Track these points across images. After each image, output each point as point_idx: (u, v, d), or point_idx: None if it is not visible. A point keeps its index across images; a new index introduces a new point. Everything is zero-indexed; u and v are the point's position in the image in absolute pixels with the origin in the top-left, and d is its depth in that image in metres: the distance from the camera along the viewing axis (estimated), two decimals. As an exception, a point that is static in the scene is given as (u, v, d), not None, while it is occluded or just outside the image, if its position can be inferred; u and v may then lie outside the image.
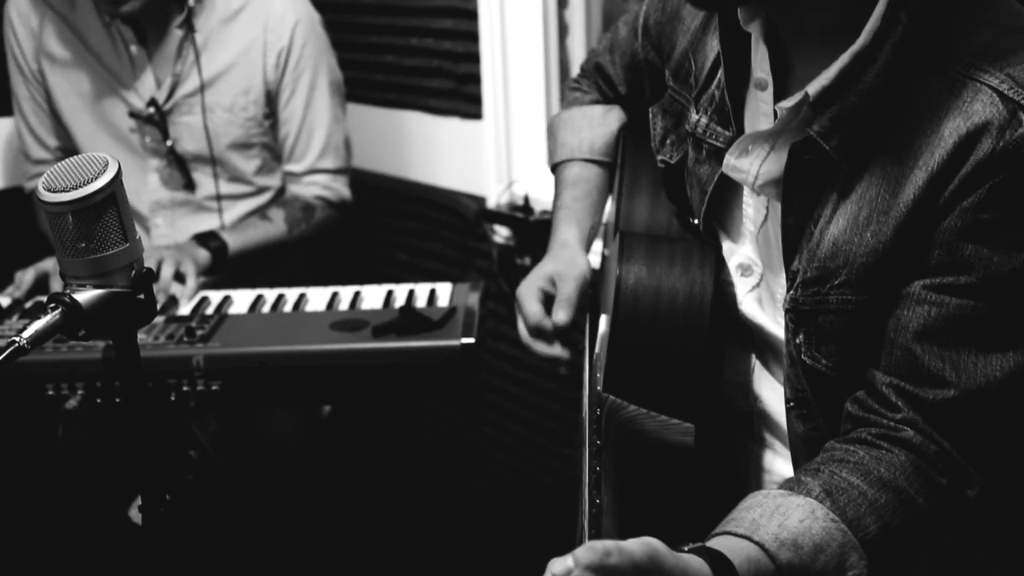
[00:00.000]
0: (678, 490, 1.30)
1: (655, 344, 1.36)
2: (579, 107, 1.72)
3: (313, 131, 2.34)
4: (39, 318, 1.06)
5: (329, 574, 2.44)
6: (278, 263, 2.35)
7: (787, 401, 1.30)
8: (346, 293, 2.00)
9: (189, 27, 2.21)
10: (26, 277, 2.05)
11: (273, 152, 2.37)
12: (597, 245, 1.70)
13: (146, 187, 2.30)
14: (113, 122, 2.28)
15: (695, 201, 1.40)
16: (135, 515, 1.86)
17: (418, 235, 2.80)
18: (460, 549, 2.60)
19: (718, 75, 1.31)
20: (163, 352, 1.74)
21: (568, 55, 2.55)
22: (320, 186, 2.38)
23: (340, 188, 2.41)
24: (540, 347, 1.56)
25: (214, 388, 1.73)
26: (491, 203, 2.54)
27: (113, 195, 1.10)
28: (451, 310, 1.85)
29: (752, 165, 1.25)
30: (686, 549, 0.99)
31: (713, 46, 1.34)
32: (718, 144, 1.32)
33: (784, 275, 1.25)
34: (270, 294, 2.01)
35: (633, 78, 1.61)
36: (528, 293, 1.56)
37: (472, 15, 2.46)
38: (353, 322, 1.83)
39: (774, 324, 1.32)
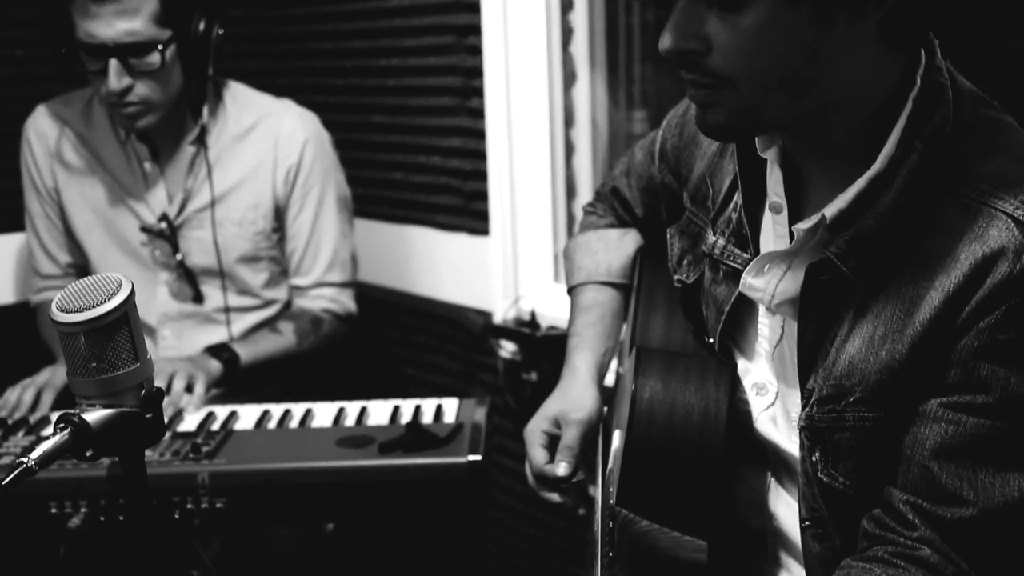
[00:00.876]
0: None
1: (669, 461, 1.36)
2: (595, 231, 1.74)
3: (320, 246, 2.37)
4: (48, 438, 1.06)
5: None
6: (284, 376, 2.36)
7: (802, 520, 1.29)
8: (352, 408, 2.00)
9: (202, 144, 2.26)
10: (25, 397, 2.06)
11: (280, 265, 2.40)
12: (614, 364, 1.70)
13: (155, 299, 2.32)
14: (124, 237, 2.31)
15: (711, 321, 1.41)
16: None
17: (424, 349, 2.80)
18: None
19: (735, 198, 1.34)
20: (168, 469, 1.73)
21: (575, 173, 2.59)
22: (327, 299, 2.40)
23: (346, 301, 2.43)
24: (545, 493, 1.55)
25: (219, 505, 1.72)
26: (497, 318, 2.55)
27: (126, 315, 1.11)
28: (458, 426, 1.84)
29: (769, 284, 1.27)
30: None
31: (730, 170, 1.37)
32: (735, 265, 1.34)
33: (800, 394, 1.26)
34: (276, 409, 2.00)
35: (650, 201, 1.63)
36: (533, 438, 1.56)
37: (480, 134, 2.50)
38: (359, 438, 1.82)
39: (789, 443, 1.32)
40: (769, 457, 1.39)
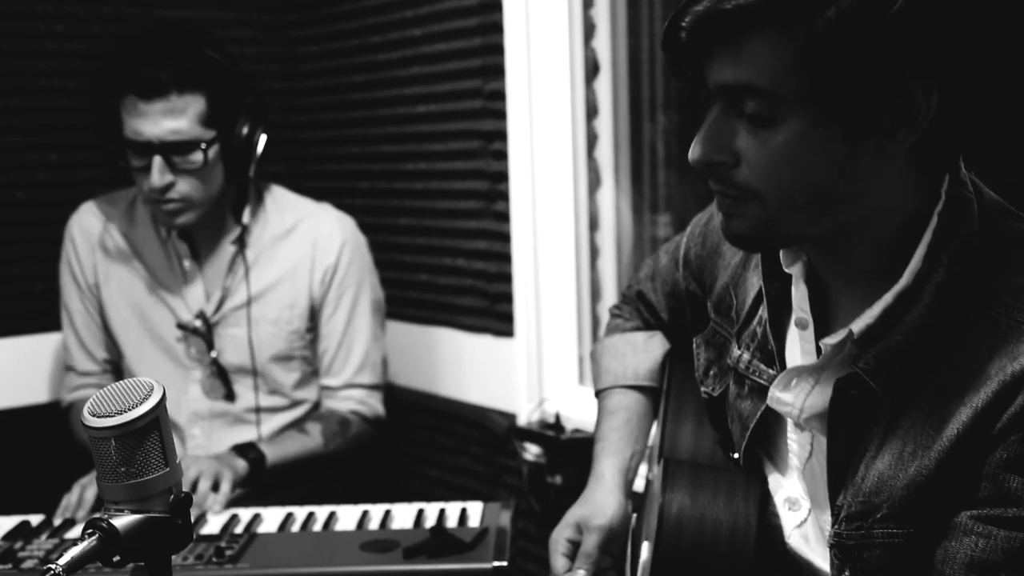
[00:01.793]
0: None
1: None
2: (621, 334, 1.74)
3: (352, 347, 2.39)
4: (73, 542, 1.06)
5: None
6: (309, 478, 2.35)
7: None
8: (376, 512, 1.99)
9: (242, 244, 2.30)
10: (72, 498, 2.05)
11: (312, 365, 2.41)
12: (643, 469, 1.69)
13: (187, 397, 2.33)
14: (160, 333, 2.33)
15: (736, 435, 1.41)
16: None
17: (448, 451, 2.79)
18: None
19: (759, 312, 1.34)
20: (192, 574, 1.71)
21: (599, 276, 2.61)
22: (356, 401, 2.40)
23: (375, 404, 2.43)
24: None
25: (242, 611, 1.70)
26: (522, 420, 2.54)
27: (156, 420, 1.12)
28: (483, 531, 1.83)
29: (797, 399, 1.26)
30: None
31: (754, 283, 1.37)
32: (760, 381, 1.33)
33: (830, 510, 1.24)
34: (300, 512, 1.99)
35: (675, 305, 1.64)
36: (556, 546, 1.55)
37: (505, 237, 2.53)
38: (383, 542, 1.80)
39: (822, 560, 1.30)
40: (803, 574, 1.36)
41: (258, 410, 2.35)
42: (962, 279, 1.15)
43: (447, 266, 2.73)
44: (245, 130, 2.18)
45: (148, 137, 2.10)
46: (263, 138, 2.21)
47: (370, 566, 1.74)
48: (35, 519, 2.01)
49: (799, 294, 1.27)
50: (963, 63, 1.08)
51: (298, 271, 2.34)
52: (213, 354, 2.32)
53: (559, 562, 1.52)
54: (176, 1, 2.85)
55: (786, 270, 1.27)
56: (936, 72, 1.07)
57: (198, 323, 2.31)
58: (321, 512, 1.99)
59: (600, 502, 1.57)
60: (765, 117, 1.10)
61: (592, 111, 2.55)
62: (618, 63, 2.55)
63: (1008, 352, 1.10)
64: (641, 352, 1.69)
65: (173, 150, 2.12)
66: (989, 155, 1.21)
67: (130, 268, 2.35)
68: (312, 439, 2.31)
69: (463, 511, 1.95)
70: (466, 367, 2.71)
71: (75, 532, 1.94)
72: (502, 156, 2.51)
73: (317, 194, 2.53)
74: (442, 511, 1.96)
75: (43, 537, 1.89)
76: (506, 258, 2.54)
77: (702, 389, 1.48)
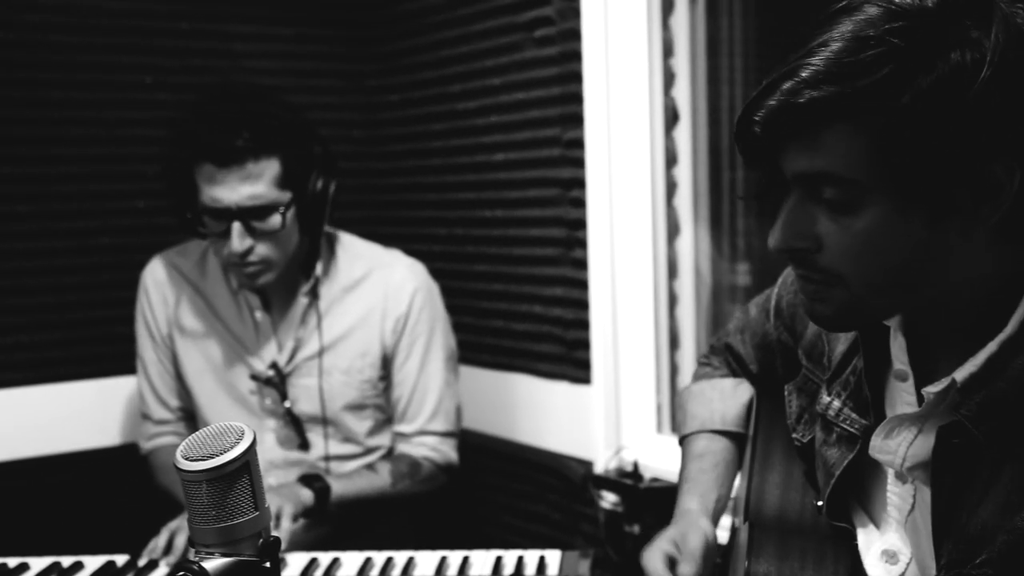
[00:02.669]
0: None
1: None
2: (709, 380, 1.74)
3: (425, 394, 2.39)
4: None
5: None
6: (383, 521, 2.35)
7: None
8: (455, 558, 1.98)
9: (314, 295, 2.32)
10: (160, 541, 2.06)
11: (385, 413, 2.42)
12: (725, 520, 1.67)
13: (262, 447, 2.35)
14: (234, 384, 2.35)
15: (821, 482, 1.39)
16: None
17: (524, 497, 2.78)
18: None
19: (853, 362, 1.33)
20: (273, 617, 1.72)
21: (677, 324, 2.59)
22: (428, 447, 2.40)
23: (448, 451, 2.43)
24: None
25: (322, 656, 1.70)
26: (599, 468, 2.52)
27: (247, 464, 1.13)
28: (562, 581, 1.81)
29: (899, 447, 1.25)
30: None
31: (848, 333, 1.35)
32: (851, 429, 1.32)
33: (935, 560, 1.22)
34: (378, 557, 1.99)
35: (764, 357, 1.64)
36: (652, 557, 1.52)
37: (583, 284, 2.53)
38: (462, 590, 1.80)
39: None
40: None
41: (329, 458, 2.36)
42: None
43: (524, 312, 2.73)
44: (319, 186, 2.19)
45: (226, 204, 2.11)
46: (333, 190, 2.22)
47: (449, 614, 1.73)
48: (120, 559, 2.04)
49: (897, 346, 1.26)
50: None
51: (370, 320, 2.35)
52: (287, 404, 2.33)
53: (658, 566, 1.49)
54: (259, 52, 2.92)
55: (883, 322, 1.26)
56: (1016, 149, 1.06)
57: (271, 374, 2.33)
58: (400, 557, 1.98)
59: (692, 523, 1.56)
60: (844, 203, 1.10)
61: (671, 159, 2.55)
62: (698, 112, 2.55)
63: None
64: (729, 398, 1.69)
65: (251, 215, 2.13)
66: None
67: (203, 320, 2.38)
68: (380, 477, 2.31)
69: (541, 559, 1.94)
70: (542, 414, 2.70)
71: (159, 574, 1.96)
72: (580, 204, 2.51)
73: (394, 241, 2.55)
74: (520, 559, 1.95)
75: (128, 578, 1.91)
76: (584, 305, 2.54)
77: (794, 436, 1.47)
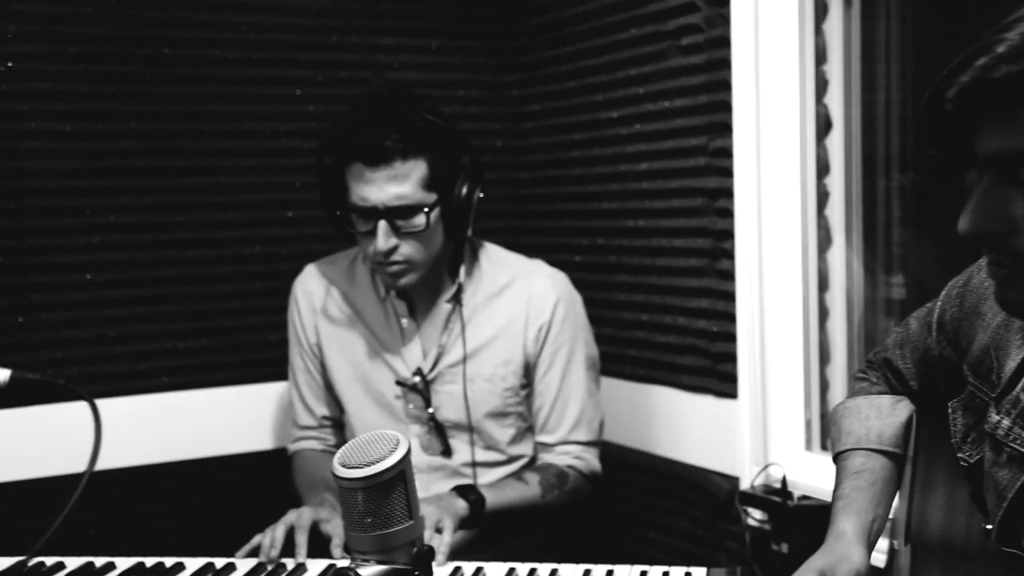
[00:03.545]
0: None
1: None
2: (865, 396, 1.68)
3: (567, 404, 2.39)
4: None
5: None
6: (524, 530, 2.35)
7: None
8: (598, 572, 1.96)
9: (458, 302, 2.34)
10: (277, 534, 2.09)
11: (527, 422, 2.42)
12: (882, 543, 1.61)
13: (405, 452, 2.37)
14: (380, 390, 2.39)
15: (991, 505, 1.32)
16: None
17: (666, 512, 2.74)
18: None
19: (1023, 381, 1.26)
20: (420, 625, 1.73)
21: (828, 338, 2.52)
22: (572, 456, 2.40)
23: (591, 460, 2.42)
24: None
25: (467, 666, 1.70)
26: (744, 484, 2.47)
27: (403, 472, 1.14)
28: (709, 598, 1.77)
29: None
30: None
31: (1018, 345, 1.30)
32: (1022, 450, 1.25)
33: None
34: (522, 568, 1.99)
35: (925, 372, 1.58)
36: None
37: (729, 296, 2.48)
38: (608, 605, 1.78)
39: None
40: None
41: (474, 465, 2.37)
42: None
43: (667, 324, 2.69)
44: (464, 191, 2.23)
45: (374, 203, 2.17)
46: (479, 197, 2.25)
47: (595, 628, 1.71)
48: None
49: None
50: None
51: (512, 328, 2.36)
52: (431, 410, 2.36)
53: None
54: (405, 64, 2.96)
55: None
56: None
57: (416, 380, 2.36)
58: (543, 569, 1.98)
59: (844, 552, 1.50)
60: None
61: (823, 168, 2.48)
62: (851, 119, 2.48)
63: None
64: (887, 416, 1.63)
65: (397, 214, 2.18)
66: None
67: (351, 327, 2.42)
68: (530, 488, 2.32)
69: (687, 575, 1.90)
70: (685, 427, 2.66)
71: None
72: (727, 214, 2.47)
73: (535, 251, 2.55)
74: (665, 574, 1.92)
75: (277, 581, 1.95)
76: (730, 317, 2.49)
77: (959, 456, 1.41)
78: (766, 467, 2.44)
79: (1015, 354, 1.31)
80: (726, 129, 2.45)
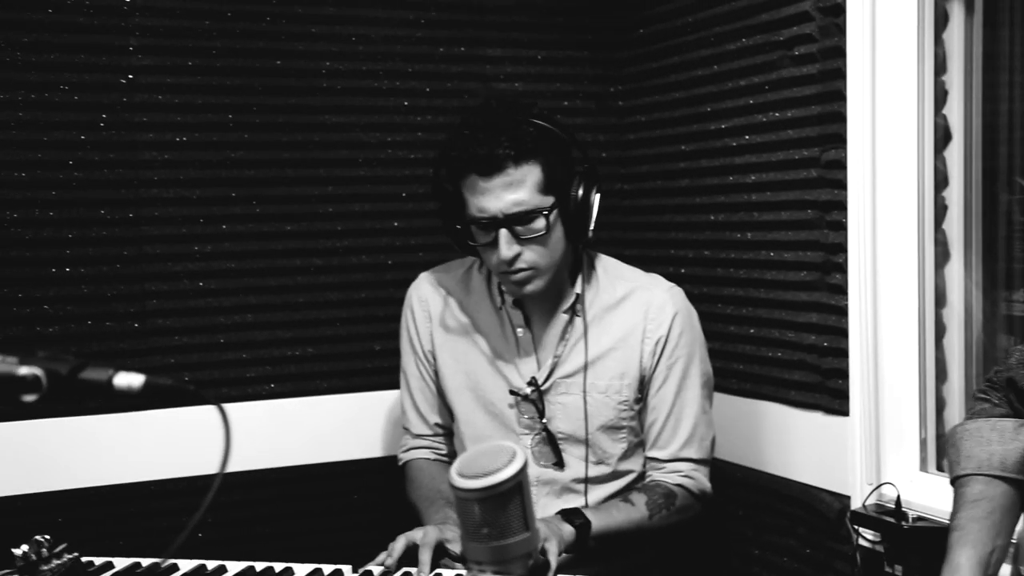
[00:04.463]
0: None
1: None
2: (987, 419, 1.62)
3: (681, 420, 2.35)
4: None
5: None
6: (630, 551, 2.32)
7: None
8: (705, 590, 1.93)
9: (575, 312, 2.32)
10: (397, 546, 2.10)
11: (638, 437, 2.39)
12: (1005, 570, 1.55)
13: (519, 463, 2.36)
14: (492, 400, 2.39)
15: None
16: None
17: (773, 530, 2.69)
18: None
19: None
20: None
21: (944, 355, 2.45)
22: (682, 474, 2.36)
23: (701, 479, 2.38)
24: None
25: None
26: (855, 503, 2.41)
27: (519, 484, 1.14)
28: (824, 621, 1.73)
29: None
30: None
31: None
32: None
33: None
34: (627, 585, 1.97)
35: None
36: None
37: (841, 311, 2.43)
38: (718, 624, 1.75)
39: None
40: None
41: (587, 480, 2.35)
42: None
43: (775, 339, 2.65)
44: (580, 192, 2.22)
45: (493, 212, 2.17)
46: (598, 198, 2.24)
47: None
48: (376, 570, 2.09)
49: None
50: None
51: (629, 341, 2.34)
52: (544, 421, 2.34)
53: None
54: (511, 75, 2.97)
55: None
56: None
57: (529, 390, 2.35)
58: (649, 586, 1.95)
59: None
60: None
61: (942, 181, 2.41)
62: (971, 130, 2.41)
63: None
64: (1010, 440, 1.57)
65: (516, 221, 2.18)
66: None
67: (465, 336, 2.42)
68: (637, 510, 2.28)
69: (799, 596, 1.86)
70: (793, 444, 2.61)
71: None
72: (840, 227, 2.42)
73: (640, 262, 2.53)
74: (775, 595, 1.88)
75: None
76: (841, 333, 2.44)
77: None
78: (879, 486, 2.38)
79: None
80: (839, 140, 2.40)
